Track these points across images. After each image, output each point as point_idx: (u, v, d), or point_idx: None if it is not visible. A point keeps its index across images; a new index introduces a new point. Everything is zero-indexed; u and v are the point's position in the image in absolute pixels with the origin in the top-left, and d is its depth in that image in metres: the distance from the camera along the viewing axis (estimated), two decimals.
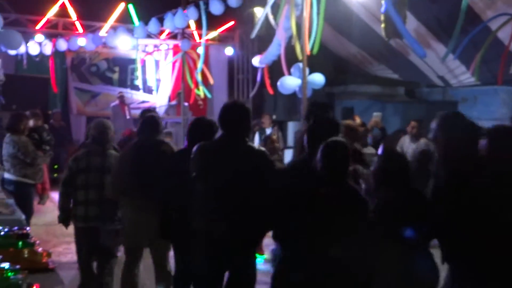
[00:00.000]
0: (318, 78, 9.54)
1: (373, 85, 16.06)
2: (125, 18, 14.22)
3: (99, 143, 5.43)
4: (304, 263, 3.38)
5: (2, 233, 3.35)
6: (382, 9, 7.95)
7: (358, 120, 10.63)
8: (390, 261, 3.30)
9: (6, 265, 2.80)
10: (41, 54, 13.78)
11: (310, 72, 9.04)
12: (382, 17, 8.13)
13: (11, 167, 7.06)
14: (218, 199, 3.92)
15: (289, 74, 9.42)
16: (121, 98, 14.21)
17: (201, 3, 10.76)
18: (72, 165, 5.43)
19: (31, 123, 7.67)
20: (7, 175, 6.87)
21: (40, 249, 3.32)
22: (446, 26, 9.41)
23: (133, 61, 14.61)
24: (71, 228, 5.61)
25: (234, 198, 3.87)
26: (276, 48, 9.59)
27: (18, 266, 2.82)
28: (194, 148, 4.11)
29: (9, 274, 2.73)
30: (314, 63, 9.21)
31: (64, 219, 5.50)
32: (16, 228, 3.50)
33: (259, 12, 10.38)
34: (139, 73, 14.54)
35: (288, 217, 3.49)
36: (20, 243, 3.25)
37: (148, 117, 5.41)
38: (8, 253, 3.11)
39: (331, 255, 3.29)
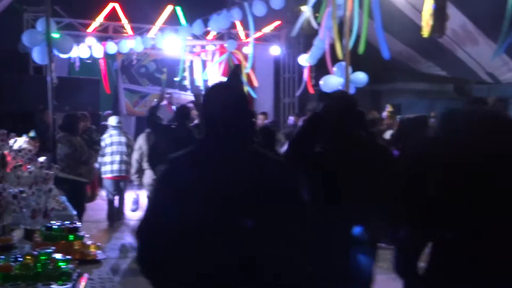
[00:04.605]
0: (361, 77, 9.54)
1: (421, 82, 15.88)
2: (173, 21, 14.51)
3: (117, 128, 9.43)
4: None
5: (55, 227, 3.55)
6: (433, 5, 7.91)
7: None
8: None
9: (58, 255, 2.99)
10: (92, 57, 14.20)
11: (354, 71, 9.04)
12: (430, 12, 8.06)
13: (66, 167, 7.33)
14: None
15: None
16: (169, 98, 14.43)
17: (246, 5, 10.90)
18: (101, 143, 9.19)
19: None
20: (61, 174, 7.05)
21: (89, 242, 3.51)
22: (495, 22, 9.26)
23: (180, 62, 14.87)
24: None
25: None
26: (319, 48, 9.64)
27: (69, 257, 3.00)
28: None
29: (61, 263, 2.91)
30: (360, 61, 9.22)
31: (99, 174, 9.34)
32: (67, 222, 3.69)
33: (308, 11, 10.45)
34: (187, 73, 14.78)
35: None
36: (71, 236, 3.45)
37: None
38: (60, 245, 3.31)
39: None
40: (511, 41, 8.74)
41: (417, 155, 2.67)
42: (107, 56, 14.63)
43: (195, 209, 2.38)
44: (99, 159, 9.21)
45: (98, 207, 9.97)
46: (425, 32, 8.09)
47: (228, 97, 2.55)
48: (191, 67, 15.92)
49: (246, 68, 12.83)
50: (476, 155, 2.39)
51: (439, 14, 7.84)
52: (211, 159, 2.46)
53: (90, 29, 14.64)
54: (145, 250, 2.48)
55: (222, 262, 2.34)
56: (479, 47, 11.12)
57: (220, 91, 2.63)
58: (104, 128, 10.49)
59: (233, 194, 2.37)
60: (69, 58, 13.82)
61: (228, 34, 14.97)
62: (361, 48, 8.32)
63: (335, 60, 9.55)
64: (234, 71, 2.67)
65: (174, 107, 14.12)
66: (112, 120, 9.59)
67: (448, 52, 12.07)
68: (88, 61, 14.18)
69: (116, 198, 9.83)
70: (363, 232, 3.45)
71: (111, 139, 9.36)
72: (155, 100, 8.87)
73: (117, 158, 9.32)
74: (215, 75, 16.03)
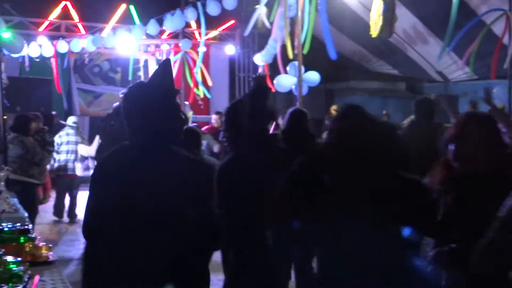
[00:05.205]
0: (313, 76, 9.64)
1: (374, 81, 16.14)
2: (127, 20, 14.34)
3: (74, 128, 9.79)
4: None
5: (6, 229, 3.52)
6: (382, 7, 8.07)
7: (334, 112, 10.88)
8: None
9: (9, 257, 2.97)
10: (42, 56, 13.90)
11: (307, 70, 9.14)
12: (379, 13, 8.21)
13: (18, 168, 7.21)
14: None
15: (285, 72, 9.54)
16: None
17: (199, 4, 10.90)
18: (57, 140, 9.34)
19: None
20: (13, 176, 6.94)
21: (41, 244, 3.49)
22: (443, 22, 9.54)
23: (135, 61, 14.73)
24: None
25: None
26: (273, 47, 9.71)
27: (20, 259, 2.98)
28: None
29: (12, 266, 2.89)
30: (313, 61, 9.31)
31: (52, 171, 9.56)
32: (18, 224, 3.67)
33: (260, 10, 10.51)
34: (141, 73, 14.65)
35: None
36: (22, 238, 3.43)
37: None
38: (11, 247, 3.29)
39: None
40: (457, 40, 8.99)
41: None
42: (60, 55, 14.37)
43: (116, 207, 2.42)
44: (54, 155, 9.29)
45: (50, 209, 9.85)
46: (373, 32, 8.26)
47: (145, 96, 2.54)
48: (145, 66, 15.78)
49: (196, 67, 12.83)
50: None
51: (388, 15, 8.01)
52: (132, 158, 2.49)
53: (41, 28, 14.36)
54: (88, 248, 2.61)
55: (150, 257, 2.39)
56: (429, 46, 11.40)
57: (138, 90, 2.61)
58: (57, 129, 10.37)
59: (150, 191, 2.40)
60: (18, 57, 13.53)
61: (182, 33, 14.91)
62: (306, 48, 8.39)
63: (288, 59, 9.65)
64: (162, 66, 2.59)
65: None
66: (70, 120, 10.00)
67: (399, 52, 12.34)
68: (37, 59, 13.88)
69: (68, 199, 9.85)
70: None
71: (67, 138, 9.64)
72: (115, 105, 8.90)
73: (72, 157, 9.58)
74: None
